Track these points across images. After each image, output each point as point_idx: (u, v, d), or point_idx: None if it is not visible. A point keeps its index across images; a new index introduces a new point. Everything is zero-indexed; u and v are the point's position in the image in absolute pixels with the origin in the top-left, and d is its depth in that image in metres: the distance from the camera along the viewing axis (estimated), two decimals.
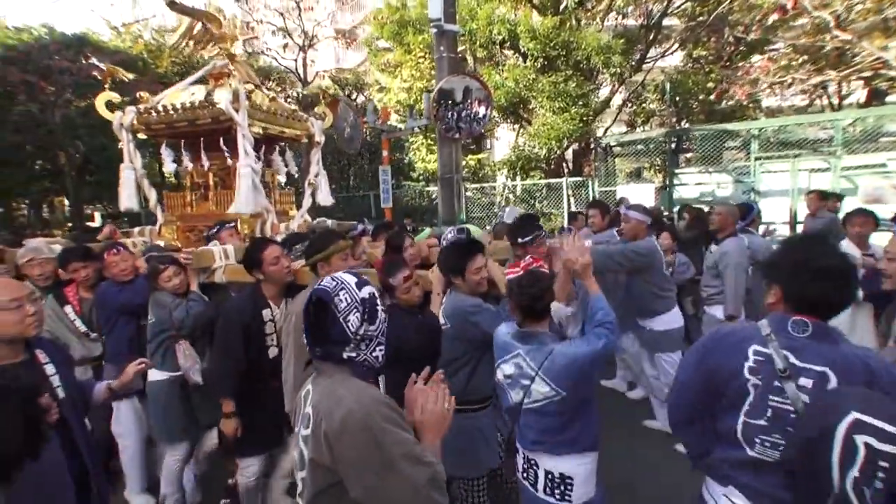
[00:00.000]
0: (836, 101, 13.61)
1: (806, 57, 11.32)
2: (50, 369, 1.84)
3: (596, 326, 2.05)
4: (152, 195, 4.35)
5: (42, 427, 1.38)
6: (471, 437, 2.45)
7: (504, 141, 15.46)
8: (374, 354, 1.43)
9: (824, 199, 6.02)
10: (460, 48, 10.80)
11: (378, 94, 12.68)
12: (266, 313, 2.70)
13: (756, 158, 9.03)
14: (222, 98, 3.65)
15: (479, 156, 11.61)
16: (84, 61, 11.45)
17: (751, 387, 1.47)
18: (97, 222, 16.82)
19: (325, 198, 4.91)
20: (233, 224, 3.69)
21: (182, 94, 4.04)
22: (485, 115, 6.27)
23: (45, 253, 3.38)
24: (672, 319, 3.86)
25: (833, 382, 1.37)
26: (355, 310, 1.38)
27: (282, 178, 4.81)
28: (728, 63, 12.54)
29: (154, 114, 3.93)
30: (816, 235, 2.15)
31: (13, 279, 2.52)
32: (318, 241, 2.63)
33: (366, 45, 13.38)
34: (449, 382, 2.47)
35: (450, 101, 6.25)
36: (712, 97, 12.30)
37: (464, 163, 11.05)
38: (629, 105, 13.57)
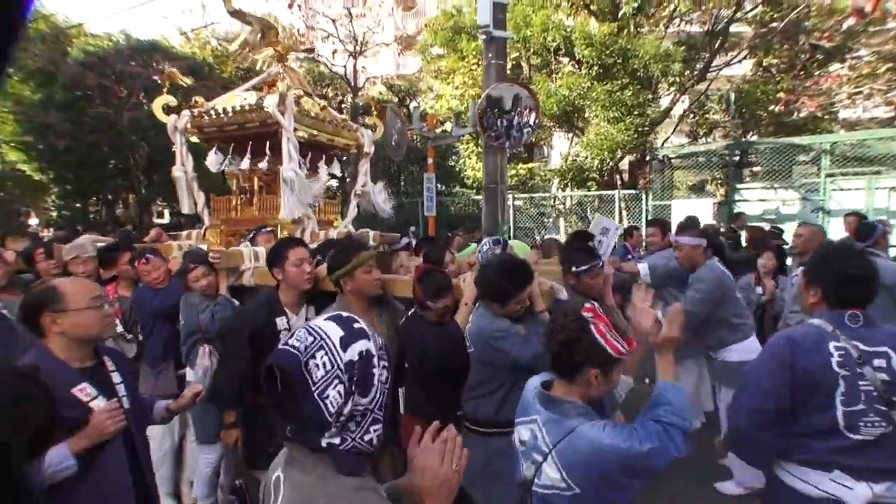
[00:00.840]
0: None
1: (892, 64, 10.42)
2: (116, 377, 1.84)
3: (652, 420, 1.47)
4: (200, 198, 4.41)
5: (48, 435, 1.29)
6: (505, 456, 2.28)
7: (559, 150, 15.14)
8: (366, 437, 1.05)
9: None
10: (514, 55, 10.67)
11: (430, 101, 12.71)
12: (281, 321, 2.55)
13: (827, 175, 8.44)
14: (270, 101, 3.67)
15: (531, 165, 11.34)
16: (155, 66, 12.19)
17: (841, 379, 1.65)
18: (167, 219, 17.69)
19: (384, 208, 4.90)
20: (270, 229, 3.68)
21: (235, 99, 4.12)
22: (532, 125, 6.08)
23: (89, 251, 3.48)
24: (750, 348, 3.42)
25: (894, 358, 1.66)
26: (337, 380, 1.00)
27: (331, 184, 4.80)
28: (802, 72, 11.73)
29: (206, 117, 4.03)
30: (847, 246, 2.37)
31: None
32: (340, 254, 2.48)
33: (420, 51, 13.45)
34: (468, 405, 2.35)
35: (497, 110, 6.11)
36: (780, 108, 11.51)
37: (513, 171, 10.86)
38: (691, 115, 12.96)
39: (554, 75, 10.26)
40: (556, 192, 11.26)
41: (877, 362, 1.65)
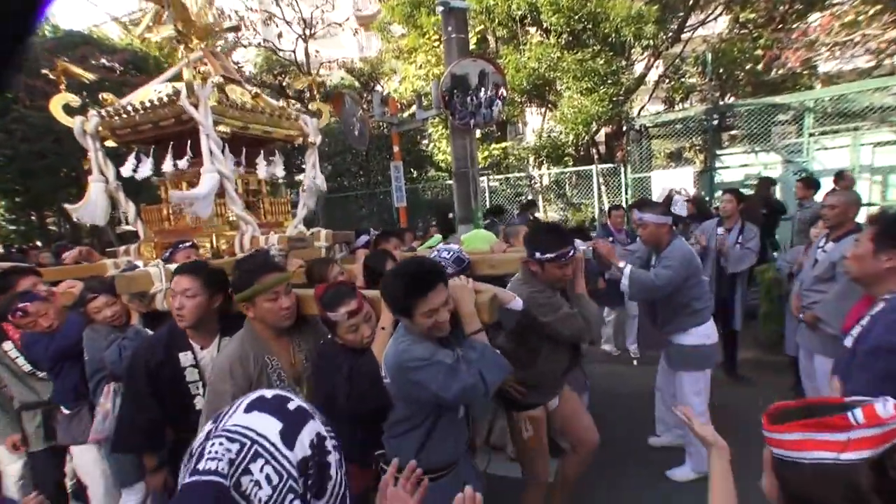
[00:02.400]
0: None
1: (880, 6, 9.89)
2: None
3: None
4: (130, 209, 3.90)
5: None
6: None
7: (534, 127, 14.59)
8: None
9: (811, 187, 5.85)
10: (478, 28, 10.09)
11: (395, 84, 12.07)
12: (185, 357, 2.20)
13: (810, 134, 8.03)
14: (181, 93, 3.15)
15: (504, 144, 10.82)
16: (93, 62, 11.28)
17: None
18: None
19: (311, 204, 4.41)
20: (190, 243, 3.18)
21: (149, 94, 3.57)
22: (499, 102, 5.60)
23: None
24: (707, 332, 3.35)
25: None
26: (291, 494, 0.72)
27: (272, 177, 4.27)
28: (781, 25, 11.15)
29: (118, 117, 3.48)
30: None
31: None
32: (242, 274, 2.05)
33: (378, 30, 12.73)
34: (389, 445, 1.87)
35: (462, 88, 5.62)
36: (760, 66, 11.04)
37: (486, 153, 10.35)
38: (667, 81, 12.49)
39: (522, 47, 9.69)
40: (532, 171, 10.75)
41: None
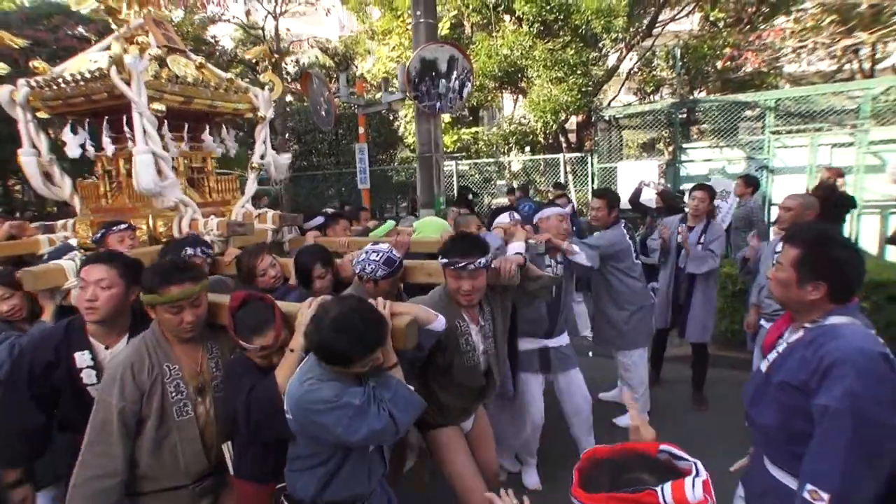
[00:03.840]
0: (868, 66, 12.26)
1: (836, 16, 10.20)
2: None
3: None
4: (66, 184, 3.73)
5: None
6: None
7: (507, 113, 14.51)
8: None
9: (750, 185, 5.83)
10: (453, 13, 9.95)
11: (367, 65, 11.86)
12: (82, 357, 1.99)
13: (772, 132, 8.24)
14: (111, 68, 2.99)
15: (474, 129, 10.77)
16: (69, 32, 10.76)
17: None
18: None
19: (280, 173, 4.29)
20: (125, 225, 3.03)
21: (82, 64, 3.39)
22: (465, 88, 5.54)
23: None
24: None
25: None
26: None
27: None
28: (748, 26, 11.37)
29: (48, 88, 3.30)
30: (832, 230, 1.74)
31: None
32: (151, 275, 1.89)
33: (353, 10, 12.46)
34: (290, 478, 1.76)
35: (429, 73, 5.53)
36: (726, 63, 11.21)
37: (456, 136, 10.29)
38: (639, 73, 12.56)
39: (495, 34, 9.60)
40: (501, 157, 10.72)
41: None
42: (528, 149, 10.90)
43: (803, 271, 1.54)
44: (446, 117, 9.92)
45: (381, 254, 2.39)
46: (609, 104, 12.91)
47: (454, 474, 2.37)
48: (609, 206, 3.75)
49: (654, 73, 12.12)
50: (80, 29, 11.80)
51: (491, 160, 10.63)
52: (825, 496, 1.40)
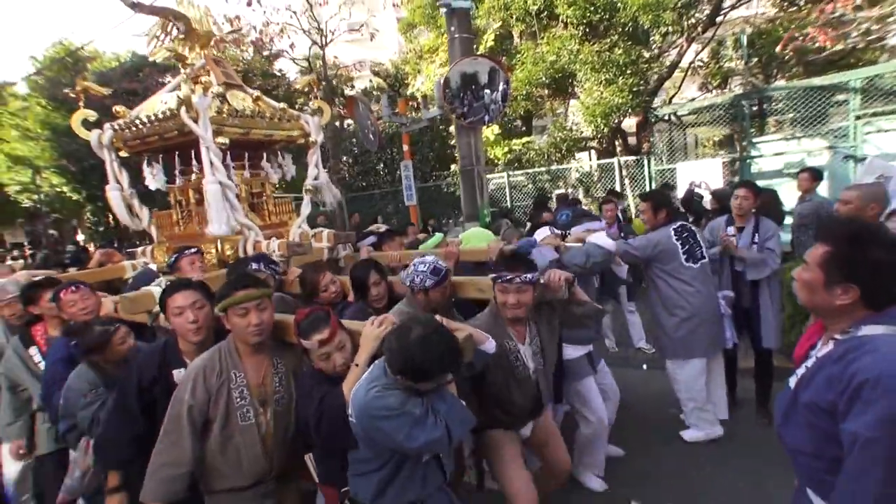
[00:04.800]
0: None
1: None
2: None
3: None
4: (144, 214, 4.12)
5: None
6: None
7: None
8: None
9: (816, 179, 5.22)
10: (497, 24, 10.02)
11: (417, 83, 12.14)
12: (178, 374, 2.18)
13: (857, 117, 7.32)
14: (181, 108, 3.28)
15: (525, 139, 10.71)
16: (158, 80, 12.07)
17: None
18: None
19: (331, 200, 4.49)
20: (195, 250, 3.27)
21: (157, 105, 3.74)
22: (502, 99, 5.56)
23: (10, 292, 3.20)
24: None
25: None
26: None
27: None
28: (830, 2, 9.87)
29: (128, 130, 3.67)
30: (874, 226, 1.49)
31: None
32: (223, 287, 2.11)
33: (401, 31, 12.84)
34: (351, 481, 1.87)
35: (470, 86, 5.60)
36: (792, 47, 10.11)
37: (507, 149, 10.27)
38: (703, 66, 11.91)
39: (539, 41, 9.55)
40: (554, 164, 10.49)
41: None
42: (589, 154, 10.63)
43: (831, 272, 1.35)
44: (495, 129, 9.95)
45: (427, 264, 2.54)
46: (670, 101, 12.40)
47: (503, 475, 2.41)
48: (654, 207, 3.63)
49: (721, 64, 11.47)
50: (169, 77, 13.19)
51: (541, 169, 10.48)
52: None
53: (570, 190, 10.41)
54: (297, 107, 4.34)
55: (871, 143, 7.27)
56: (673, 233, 3.47)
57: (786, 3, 10.77)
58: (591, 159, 11.07)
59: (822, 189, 7.29)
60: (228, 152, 3.61)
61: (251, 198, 4.08)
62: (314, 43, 11.73)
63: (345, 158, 14.85)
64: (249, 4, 11.39)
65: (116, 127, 3.72)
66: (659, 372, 4.66)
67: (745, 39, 10.34)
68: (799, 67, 10.95)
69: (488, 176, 11.15)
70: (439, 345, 1.69)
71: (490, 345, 2.12)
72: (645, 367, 5.10)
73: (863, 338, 1.30)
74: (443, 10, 5.59)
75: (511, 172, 10.72)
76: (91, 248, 14.66)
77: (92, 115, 3.84)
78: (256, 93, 4.06)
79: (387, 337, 1.82)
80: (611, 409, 3.41)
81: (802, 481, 1.49)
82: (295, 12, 11.35)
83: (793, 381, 1.47)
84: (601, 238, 3.26)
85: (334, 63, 14.17)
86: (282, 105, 4.23)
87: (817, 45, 9.47)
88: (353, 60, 15.87)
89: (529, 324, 2.47)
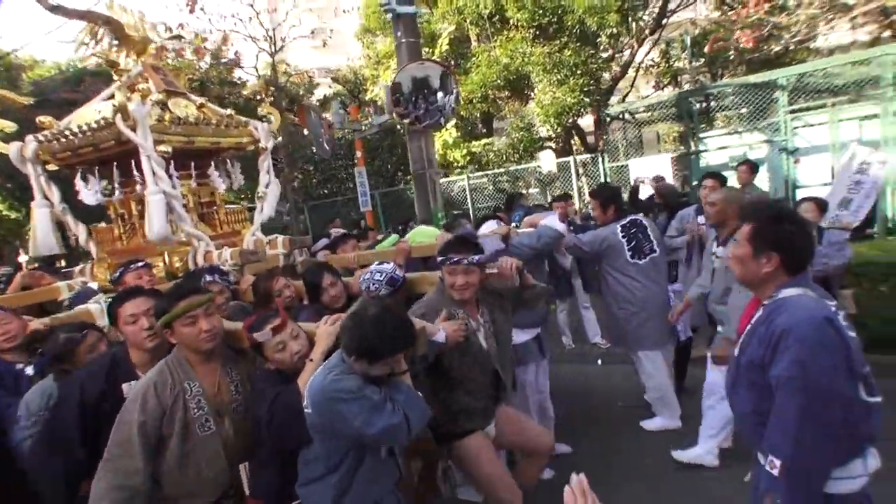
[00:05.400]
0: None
1: None
2: None
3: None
4: (80, 230, 3.91)
5: None
6: None
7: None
8: None
9: (754, 172, 5.36)
10: (450, 28, 10.09)
11: (375, 90, 12.09)
12: (129, 388, 2.04)
13: (787, 112, 7.82)
14: (117, 116, 3.14)
15: (484, 141, 10.82)
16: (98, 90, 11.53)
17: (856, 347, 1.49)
18: None
19: (269, 211, 4.38)
20: (142, 263, 3.13)
21: (89, 114, 3.57)
22: (450, 102, 5.59)
23: None
24: None
25: None
26: None
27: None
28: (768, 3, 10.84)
29: (56, 141, 3.49)
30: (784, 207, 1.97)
31: None
32: (164, 300, 2.02)
33: (358, 37, 12.77)
34: (304, 492, 1.80)
35: (422, 90, 5.61)
36: (746, 44, 10.63)
37: (466, 150, 10.34)
38: (655, 66, 12.35)
39: (493, 43, 9.69)
40: (515, 166, 10.64)
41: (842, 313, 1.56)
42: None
43: (757, 244, 1.59)
44: (453, 132, 10.00)
45: (384, 274, 2.64)
46: (624, 99, 12.77)
47: (486, 481, 2.40)
48: (603, 204, 3.70)
49: (671, 63, 11.89)
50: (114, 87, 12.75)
51: (501, 170, 10.58)
52: (777, 463, 1.46)
53: (528, 191, 10.55)
54: (259, 115, 4.24)
55: (802, 137, 7.79)
56: (620, 229, 3.52)
57: (724, 6, 11.37)
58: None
59: (762, 180, 7.82)
60: (172, 161, 3.47)
61: (200, 207, 3.95)
62: (262, 50, 11.51)
63: (305, 166, 14.62)
64: (192, 11, 11.08)
65: (42, 139, 3.52)
66: (616, 366, 4.77)
67: (688, 40, 10.76)
68: (741, 66, 11.49)
69: (449, 179, 11.29)
70: (392, 322, 1.75)
71: (441, 335, 2.16)
72: (600, 362, 5.18)
73: (781, 300, 1.56)
74: (388, 15, 5.59)
75: (471, 174, 10.79)
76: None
77: (10, 126, 3.64)
78: (201, 100, 3.95)
79: (343, 320, 1.86)
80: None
81: (754, 449, 1.65)
82: (242, 19, 11.12)
83: (736, 351, 1.70)
84: (553, 220, 3.28)
85: (286, 71, 13.95)
86: (228, 111, 4.13)
87: (741, 45, 10.02)
88: (317, 67, 15.66)
89: (481, 308, 2.51)
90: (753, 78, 8.44)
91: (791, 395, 1.44)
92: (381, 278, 2.62)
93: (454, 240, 2.51)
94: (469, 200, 10.83)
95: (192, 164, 3.83)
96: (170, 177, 3.40)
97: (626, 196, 5.86)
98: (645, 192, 6.21)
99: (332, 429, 1.74)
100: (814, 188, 7.53)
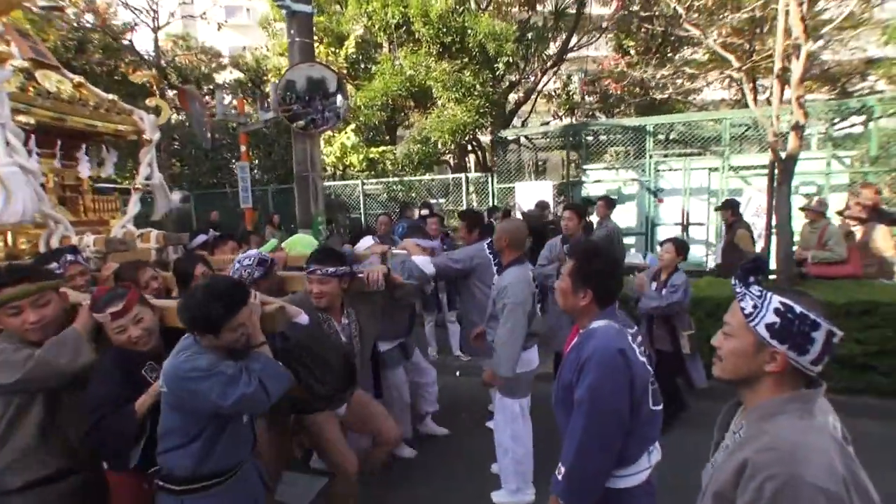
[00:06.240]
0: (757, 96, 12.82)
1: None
2: None
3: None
4: None
5: None
6: None
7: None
8: None
9: (611, 207, 6.09)
10: (358, 32, 10.18)
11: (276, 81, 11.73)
12: None
13: (651, 157, 8.93)
14: None
15: (382, 148, 11.00)
16: None
17: (643, 368, 1.72)
18: None
19: (161, 208, 4.22)
20: None
21: None
22: (338, 107, 5.70)
23: None
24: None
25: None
26: None
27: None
28: (657, 55, 12.22)
29: None
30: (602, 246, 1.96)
31: None
32: None
33: (261, 26, 12.36)
34: (165, 459, 1.85)
35: (302, 93, 5.64)
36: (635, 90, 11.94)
37: (363, 155, 10.44)
38: (556, 96, 13.31)
39: (398, 53, 9.97)
40: (407, 176, 10.94)
41: (639, 338, 1.78)
42: (448, 168, 11.11)
43: (575, 279, 1.78)
44: (353, 136, 10.06)
45: (252, 258, 2.74)
46: (524, 124, 13.61)
47: (326, 447, 2.66)
48: (469, 226, 4.07)
49: (571, 95, 12.93)
50: None
51: (395, 179, 10.80)
52: (563, 469, 1.69)
53: (419, 201, 10.82)
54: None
55: (665, 179, 8.88)
56: (486, 247, 3.87)
57: (621, 52, 12.83)
58: (448, 173, 11.68)
59: (630, 215, 8.84)
60: (33, 136, 3.25)
61: (62, 190, 3.71)
62: (142, 23, 10.70)
63: (196, 152, 13.73)
64: None
65: None
66: (473, 378, 4.94)
67: (578, 77, 11.84)
68: (630, 107, 12.88)
69: (342, 182, 11.33)
70: (220, 285, 1.86)
71: (303, 318, 2.30)
72: (458, 374, 5.48)
73: (591, 329, 1.75)
74: (283, 12, 5.57)
75: (365, 181, 10.90)
76: None
77: None
78: (78, 78, 3.73)
79: (177, 302, 1.95)
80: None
81: None
82: None
83: (559, 372, 1.87)
84: (425, 263, 3.44)
85: (171, 50, 13.07)
86: (111, 96, 3.92)
87: (610, 91, 11.39)
88: (230, 48, 14.75)
89: (346, 310, 2.72)
90: (626, 121, 9.52)
91: (581, 414, 1.66)
92: (251, 262, 2.73)
93: (319, 251, 2.71)
94: (362, 206, 10.93)
95: (59, 142, 3.59)
96: (29, 152, 3.18)
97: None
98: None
99: (190, 406, 1.80)
100: (668, 227, 8.75)
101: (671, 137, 10.12)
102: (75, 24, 11.59)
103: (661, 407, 1.78)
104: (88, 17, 11.93)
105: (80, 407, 1.94)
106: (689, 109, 13.73)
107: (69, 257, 2.76)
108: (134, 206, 4.07)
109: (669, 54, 12.48)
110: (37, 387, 1.90)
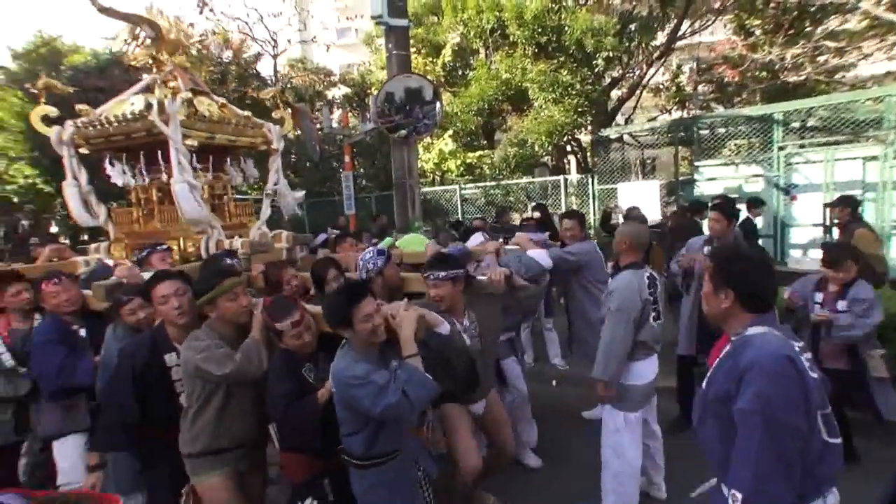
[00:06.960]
0: None
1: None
2: None
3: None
4: (101, 211, 4.20)
5: None
6: (383, 485, 2.21)
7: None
8: None
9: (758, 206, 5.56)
10: (455, 40, 10.46)
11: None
12: (170, 358, 2.44)
13: (780, 149, 7.71)
14: (152, 110, 3.45)
15: (479, 153, 11.17)
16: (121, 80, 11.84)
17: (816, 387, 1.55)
18: None
19: (288, 208, 4.70)
20: (166, 246, 3.47)
21: (122, 106, 3.87)
22: (433, 115, 5.91)
23: None
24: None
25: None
26: None
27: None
28: (791, 32, 10.63)
29: (91, 128, 3.78)
30: (743, 247, 1.88)
31: None
32: (203, 280, 2.39)
33: (365, 43, 13.13)
34: (344, 441, 2.21)
35: (401, 103, 5.92)
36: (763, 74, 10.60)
37: (458, 161, 10.66)
38: (665, 90, 12.67)
39: (493, 59, 10.06)
40: (504, 180, 10.94)
41: (808, 353, 1.63)
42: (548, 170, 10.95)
43: (716, 281, 1.72)
44: (450, 143, 10.32)
45: (371, 252, 3.06)
46: (628, 121, 12.97)
47: (458, 437, 2.82)
48: (581, 224, 4.15)
49: (681, 87, 12.16)
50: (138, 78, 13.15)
51: (493, 183, 10.85)
52: (739, 496, 1.50)
53: (520, 205, 10.82)
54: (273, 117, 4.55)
55: (800, 173, 7.64)
56: (596, 246, 3.87)
57: (743, 33, 11.33)
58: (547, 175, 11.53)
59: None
60: (194, 155, 3.78)
61: (213, 199, 4.25)
62: (263, 52, 11.91)
63: (308, 163, 14.95)
64: (202, 12, 11.47)
65: (79, 124, 3.82)
66: (569, 388, 4.97)
67: (694, 65, 11.01)
68: (755, 94, 11.43)
69: (441, 188, 11.62)
70: (340, 287, 2.30)
71: (444, 327, 2.40)
72: (555, 383, 5.32)
73: (747, 337, 1.64)
74: (382, 27, 5.87)
75: (463, 185, 11.12)
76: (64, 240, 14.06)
77: (53, 112, 3.93)
78: (222, 100, 4.27)
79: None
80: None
81: (718, 478, 1.71)
82: (247, 23, 11.54)
83: (705, 384, 1.76)
84: (540, 255, 3.49)
85: (287, 74, 14.33)
86: (246, 113, 4.44)
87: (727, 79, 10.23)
88: (340, 66, 15.96)
89: (467, 311, 2.85)
90: (748, 110, 8.44)
91: (752, 428, 1.48)
92: (371, 256, 3.03)
93: (434, 257, 2.86)
94: (460, 210, 11.13)
95: (211, 158, 4.14)
96: (193, 169, 3.72)
97: None
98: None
99: (348, 406, 2.11)
100: (805, 228, 7.51)
101: (809, 125, 8.42)
102: (217, 61, 13.21)
103: (839, 441, 1.55)
104: (227, 53, 13.56)
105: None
106: (838, 90, 11.15)
107: (228, 261, 3.19)
108: (266, 210, 4.55)
109: (808, 28, 10.67)
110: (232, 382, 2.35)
